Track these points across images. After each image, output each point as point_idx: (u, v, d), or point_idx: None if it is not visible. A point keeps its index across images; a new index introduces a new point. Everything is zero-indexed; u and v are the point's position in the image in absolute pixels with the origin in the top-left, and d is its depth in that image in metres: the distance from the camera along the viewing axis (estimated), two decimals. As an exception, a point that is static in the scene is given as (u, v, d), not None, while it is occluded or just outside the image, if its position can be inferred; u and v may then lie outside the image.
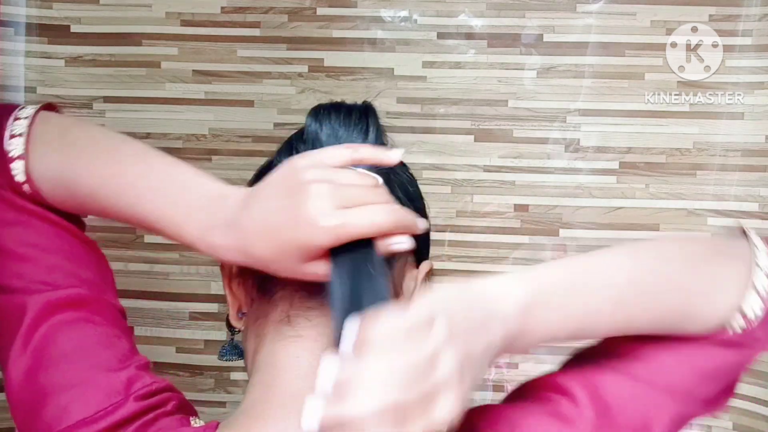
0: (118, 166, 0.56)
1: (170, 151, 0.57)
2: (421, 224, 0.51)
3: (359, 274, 0.48)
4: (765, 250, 0.54)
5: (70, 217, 0.60)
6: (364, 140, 0.55)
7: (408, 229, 0.50)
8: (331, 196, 0.47)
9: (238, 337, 0.62)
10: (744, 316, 0.52)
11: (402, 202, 0.54)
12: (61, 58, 1.06)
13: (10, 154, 0.56)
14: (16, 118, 0.57)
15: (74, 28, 1.06)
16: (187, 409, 0.57)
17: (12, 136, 0.57)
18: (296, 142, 0.57)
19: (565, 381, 0.54)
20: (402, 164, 0.59)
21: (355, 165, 0.51)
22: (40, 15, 1.06)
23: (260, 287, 0.57)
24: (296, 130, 0.59)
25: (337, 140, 0.55)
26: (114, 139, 0.59)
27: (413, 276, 0.59)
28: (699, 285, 0.53)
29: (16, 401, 0.54)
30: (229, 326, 0.60)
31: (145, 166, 0.56)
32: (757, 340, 0.54)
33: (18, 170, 0.56)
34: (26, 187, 0.56)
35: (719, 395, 0.57)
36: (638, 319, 0.53)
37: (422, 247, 0.59)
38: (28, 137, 0.57)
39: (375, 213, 0.48)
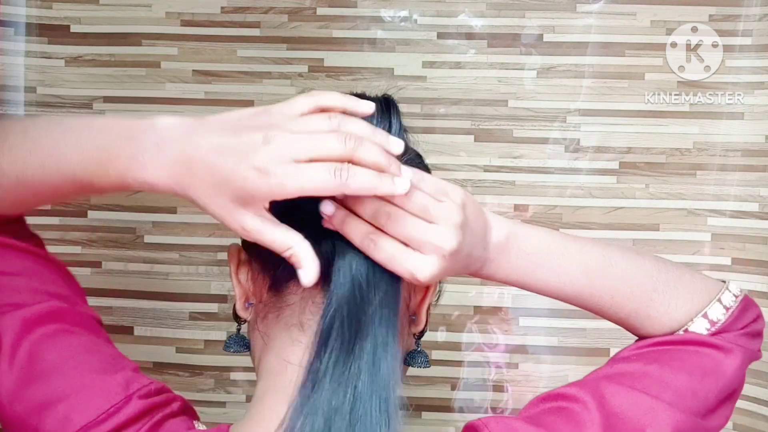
0: (37, 138, 0.52)
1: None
2: (400, 185, 0.48)
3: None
4: (735, 285, 0.62)
5: (28, 237, 0.58)
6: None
7: (372, 190, 0.47)
8: (284, 145, 0.45)
9: (244, 329, 0.60)
10: (709, 320, 0.58)
11: None
12: (61, 58, 1.06)
13: None
14: None
15: (74, 28, 1.06)
16: (190, 412, 0.57)
17: None
18: None
19: (575, 391, 0.56)
20: (417, 154, 0.60)
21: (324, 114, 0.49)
22: (40, 15, 1.06)
23: (273, 286, 0.56)
24: None
25: None
26: (24, 120, 0.55)
27: (420, 290, 0.59)
28: (666, 281, 0.59)
29: (10, 420, 0.52)
30: (236, 317, 0.59)
31: (64, 125, 0.52)
32: (739, 346, 0.58)
33: None
34: None
35: (719, 404, 0.59)
36: (604, 292, 0.58)
37: None
38: None
39: (317, 175, 0.45)
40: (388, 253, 0.49)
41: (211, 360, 1.07)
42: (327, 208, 0.49)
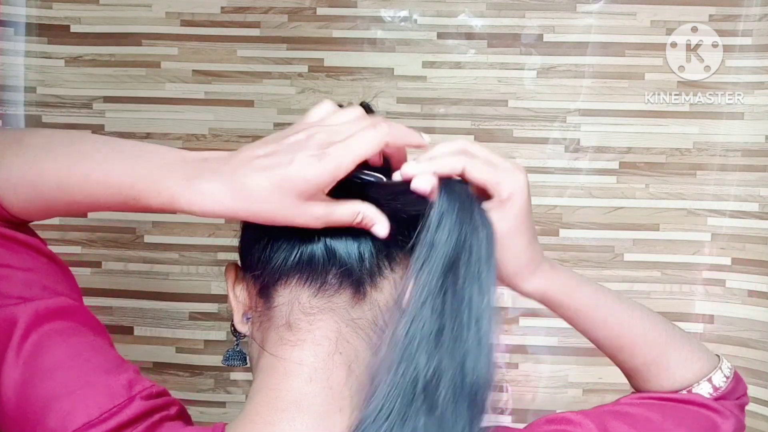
0: (84, 151, 0.53)
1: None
2: (426, 138, 0.52)
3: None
4: (726, 362, 0.66)
5: (34, 237, 0.58)
6: None
7: (407, 141, 0.52)
8: (326, 133, 0.49)
9: (242, 342, 0.62)
10: (713, 385, 0.63)
11: None
12: (61, 58, 1.06)
13: None
14: None
15: (74, 28, 1.06)
16: (185, 416, 0.57)
17: None
18: None
19: (581, 418, 0.58)
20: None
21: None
22: (40, 15, 1.06)
23: (261, 292, 0.57)
24: None
25: None
26: (71, 134, 0.57)
27: None
28: (679, 336, 0.64)
29: (12, 414, 0.52)
30: (234, 332, 0.60)
31: (114, 144, 0.54)
32: (734, 415, 0.63)
33: None
34: None
35: None
36: (636, 324, 0.62)
37: None
38: None
39: (363, 137, 0.49)
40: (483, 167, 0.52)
41: (211, 360, 1.07)
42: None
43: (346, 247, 0.55)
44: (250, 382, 0.98)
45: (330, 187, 0.49)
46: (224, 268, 0.60)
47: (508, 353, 1.06)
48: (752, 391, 1.00)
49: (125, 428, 0.51)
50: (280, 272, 0.55)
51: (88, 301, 0.62)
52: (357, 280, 0.55)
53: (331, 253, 0.55)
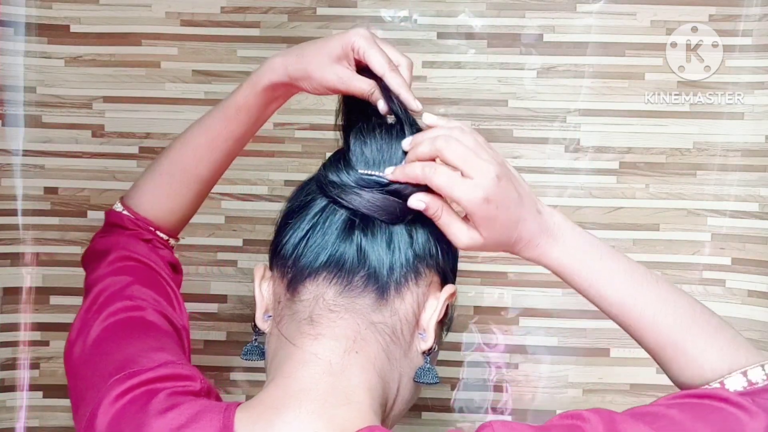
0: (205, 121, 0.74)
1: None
2: (417, 105, 0.62)
3: None
4: None
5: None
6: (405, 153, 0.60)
7: (402, 97, 0.62)
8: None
9: (260, 338, 0.64)
10: (748, 379, 0.58)
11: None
12: (61, 58, 1.06)
13: (116, 209, 0.77)
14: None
15: (74, 28, 1.06)
16: (210, 395, 0.60)
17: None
18: (342, 159, 0.61)
19: (591, 415, 0.55)
20: None
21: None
22: (39, 15, 1.06)
23: (289, 286, 0.60)
24: (342, 147, 0.63)
25: (381, 156, 0.60)
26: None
27: (436, 297, 0.61)
28: (707, 322, 0.61)
29: (84, 355, 0.63)
30: (254, 328, 0.63)
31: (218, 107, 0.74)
32: (766, 412, 0.56)
33: (117, 207, 0.77)
34: (126, 213, 0.76)
35: None
36: (647, 307, 0.59)
37: (449, 271, 0.63)
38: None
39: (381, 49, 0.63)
40: (442, 180, 0.56)
41: (211, 360, 1.07)
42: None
43: (378, 254, 0.58)
44: (250, 383, 0.99)
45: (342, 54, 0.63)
46: (255, 264, 0.64)
47: (508, 353, 1.06)
48: (752, 391, 1.00)
49: (149, 385, 0.57)
50: (310, 268, 0.58)
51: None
52: (382, 286, 0.58)
53: (362, 256, 0.58)
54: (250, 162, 1.05)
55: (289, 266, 0.59)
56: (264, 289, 0.62)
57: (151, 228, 0.76)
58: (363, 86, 0.62)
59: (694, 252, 1.04)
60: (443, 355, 1.04)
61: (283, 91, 0.69)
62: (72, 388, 0.63)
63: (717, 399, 0.57)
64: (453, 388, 1.05)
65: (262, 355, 0.63)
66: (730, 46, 1.02)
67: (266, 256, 0.64)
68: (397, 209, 0.58)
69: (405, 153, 0.59)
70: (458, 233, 0.57)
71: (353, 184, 0.59)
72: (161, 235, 0.77)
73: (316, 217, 0.59)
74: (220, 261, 1.07)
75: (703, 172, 1.04)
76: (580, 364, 1.05)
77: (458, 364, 1.05)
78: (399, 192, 0.58)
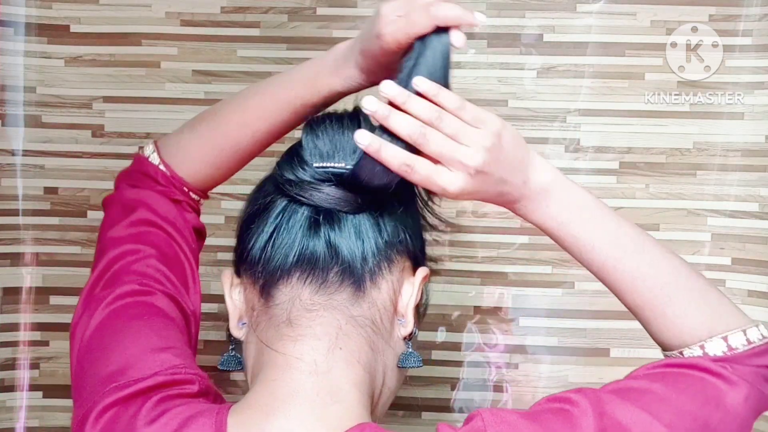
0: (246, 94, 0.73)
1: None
2: (479, 17, 0.60)
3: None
4: (763, 330, 0.60)
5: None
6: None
7: (460, 20, 0.60)
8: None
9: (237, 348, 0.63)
10: (728, 344, 0.58)
11: None
12: (61, 58, 1.06)
13: (147, 155, 0.72)
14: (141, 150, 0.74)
15: (74, 28, 1.06)
16: (210, 396, 0.60)
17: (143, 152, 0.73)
18: (295, 155, 0.60)
19: (579, 397, 0.56)
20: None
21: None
22: (39, 15, 1.06)
23: (263, 291, 0.59)
24: (294, 143, 0.62)
25: (334, 147, 0.59)
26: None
27: (411, 281, 0.60)
28: (690, 286, 0.60)
29: (87, 341, 0.61)
30: (230, 337, 0.63)
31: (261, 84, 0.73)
32: (747, 382, 0.57)
33: (153, 157, 0.72)
34: (162, 168, 0.71)
35: None
36: (628, 270, 0.60)
37: (419, 254, 0.62)
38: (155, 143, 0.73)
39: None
40: (422, 174, 0.54)
41: (211, 360, 1.07)
42: (363, 139, 0.54)
43: (349, 246, 0.57)
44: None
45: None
46: (222, 271, 0.63)
47: (508, 353, 1.06)
48: (752, 391, 1.00)
49: (141, 395, 0.55)
50: (281, 270, 0.57)
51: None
52: (358, 278, 0.57)
53: (333, 251, 0.56)
54: (250, 162, 1.05)
55: (259, 271, 0.59)
56: (235, 297, 0.62)
57: (185, 189, 0.72)
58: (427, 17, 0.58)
59: (694, 252, 1.04)
60: (443, 355, 1.05)
61: None
62: (75, 372, 0.61)
63: (697, 369, 0.57)
64: (453, 388, 1.05)
65: (239, 364, 0.63)
66: (730, 46, 1.02)
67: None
68: (359, 198, 0.57)
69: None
70: (446, 178, 0.55)
71: (310, 179, 0.58)
72: (193, 195, 0.73)
73: (279, 218, 0.58)
74: (220, 261, 1.07)
75: (703, 172, 1.04)
76: (580, 364, 1.05)
77: (458, 364, 1.05)
78: (359, 181, 0.57)
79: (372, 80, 0.63)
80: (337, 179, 0.58)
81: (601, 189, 1.05)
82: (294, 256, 0.57)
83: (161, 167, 0.71)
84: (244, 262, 0.61)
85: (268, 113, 0.69)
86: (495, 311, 1.05)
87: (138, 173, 0.72)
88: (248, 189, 1.07)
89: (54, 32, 1.06)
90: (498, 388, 1.05)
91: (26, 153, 1.07)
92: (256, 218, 0.60)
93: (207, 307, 1.07)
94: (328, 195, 0.57)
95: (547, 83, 1.04)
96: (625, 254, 0.60)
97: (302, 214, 0.58)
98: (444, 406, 1.06)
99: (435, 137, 0.54)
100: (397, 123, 0.54)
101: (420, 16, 0.57)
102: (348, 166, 0.58)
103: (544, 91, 1.04)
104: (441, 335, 1.05)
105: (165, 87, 1.06)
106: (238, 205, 1.08)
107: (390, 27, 0.57)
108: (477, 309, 1.06)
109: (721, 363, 0.57)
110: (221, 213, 1.07)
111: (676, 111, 1.04)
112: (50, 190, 1.07)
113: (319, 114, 0.63)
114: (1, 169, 1.06)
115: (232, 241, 1.11)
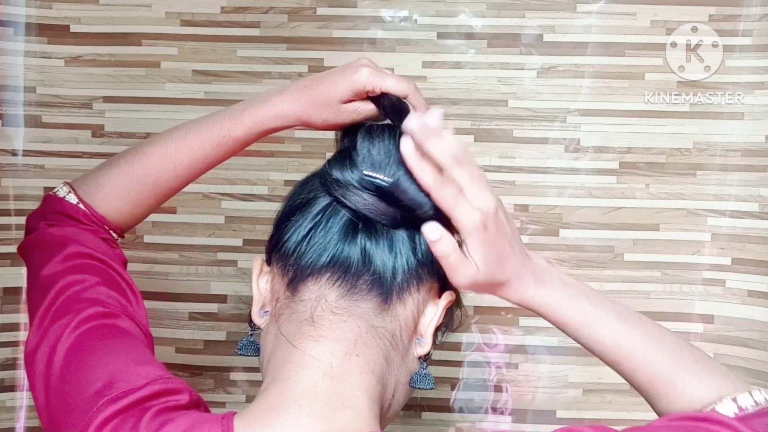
0: (176, 132, 0.73)
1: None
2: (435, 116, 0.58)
3: None
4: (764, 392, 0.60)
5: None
6: None
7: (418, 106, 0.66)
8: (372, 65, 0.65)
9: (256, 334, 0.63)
10: (738, 405, 0.58)
11: None
12: (61, 58, 1.06)
13: (62, 196, 0.72)
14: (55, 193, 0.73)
15: (74, 28, 1.06)
16: (201, 407, 0.58)
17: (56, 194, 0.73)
18: (347, 157, 0.60)
19: (589, 430, 0.55)
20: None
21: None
22: (39, 15, 1.06)
23: (290, 284, 0.59)
24: (347, 144, 0.62)
25: (387, 159, 0.59)
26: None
27: (435, 303, 0.61)
28: (692, 354, 0.61)
29: (57, 382, 0.59)
30: (250, 323, 0.62)
31: (195, 122, 0.73)
32: None
33: (70, 197, 0.72)
34: (82, 208, 0.71)
35: None
36: (638, 342, 0.60)
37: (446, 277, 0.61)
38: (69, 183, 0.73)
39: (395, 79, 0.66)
40: (449, 194, 0.54)
41: (211, 360, 1.07)
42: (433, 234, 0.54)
43: (382, 258, 0.57)
44: (250, 383, 0.99)
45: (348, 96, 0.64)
46: (252, 262, 0.63)
47: (508, 353, 1.06)
48: (752, 391, 1.00)
49: (137, 406, 0.54)
50: (312, 268, 0.58)
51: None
52: (386, 291, 0.58)
53: (366, 260, 0.57)
54: (250, 162, 1.05)
55: (291, 264, 0.59)
56: (262, 284, 0.62)
57: (105, 227, 0.72)
58: (373, 107, 0.65)
59: (694, 252, 1.04)
60: (443, 355, 1.05)
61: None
62: (46, 403, 0.59)
63: (713, 422, 0.57)
64: (453, 388, 1.05)
65: (257, 350, 0.63)
66: (730, 46, 1.02)
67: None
68: (398, 216, 0.58)
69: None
70: (461, 265, 0.54)
71: (356, 184, 0.58)
72: (113, 234, 0.74)
73: (319, 216, 0.59)
74: (220, 261, 1.07)
75: (703, 172, 1.04)
76: (580, 364, 1.05)
77: (458, 364, 1.05)
78: (395, 200, 0.57)
79: (304, 120, 0.66)
80: (378, 191, 0.58)
81: (601, 189, 1.05)
82: (328, 256, 0.57)
83: (81, 206, 0.71)
84: (277, 252, 0.61)
85: (188, 146, 0.70)
86: (495, 311, 1.05)
87: (55, 213, 0.72)
88: (248, 189, 1.08)
89: (54, 32, 1.06)
90: (498, 388, 1.05)
91: (26, 153, 1.07)
92: (297, 211, 0.60)
93: (207, 308, 1.08)
94: (370, 203, 0.57)
95: (547, 83, 1.04)
96: (632, 329, 0.60)
97: (343, 216, 0.58)
98: (444, 406, 1.06)
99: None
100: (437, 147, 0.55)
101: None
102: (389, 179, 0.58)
103: (544, 91, 1.04)
104: (441, 335, 1.05)
105: (165, 87, 1.06)
106: (239, 205, 1.09)
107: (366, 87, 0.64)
108: (477, 309, 1.06)
109: (735, 420, 0.57)
110: (221, 213, 1.07)
111: (676, 111, 1.04)
112: (50, 190, 1.07)
113: (380, 122, 0.63)
114: (1, 169, 1.06)
115: (232, 241, 1.12)
